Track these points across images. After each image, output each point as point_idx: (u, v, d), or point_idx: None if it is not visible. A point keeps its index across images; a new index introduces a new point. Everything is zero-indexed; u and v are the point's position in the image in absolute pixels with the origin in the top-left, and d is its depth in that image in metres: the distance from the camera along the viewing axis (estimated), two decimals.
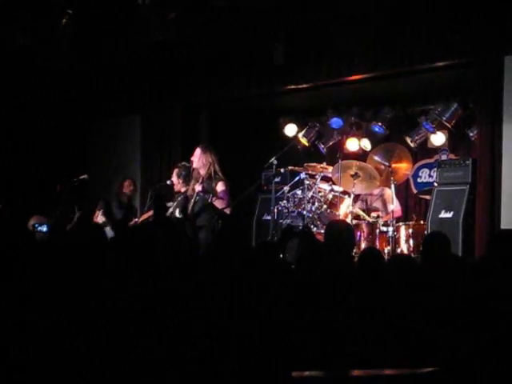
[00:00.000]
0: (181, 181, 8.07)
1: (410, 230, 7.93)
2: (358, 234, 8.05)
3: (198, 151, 7.88)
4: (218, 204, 7.64)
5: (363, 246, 7.99)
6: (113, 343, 3.02)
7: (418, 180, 9.70)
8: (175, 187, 8.10)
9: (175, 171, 8.16)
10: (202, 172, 7.79)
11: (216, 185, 7.71)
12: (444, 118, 8.72)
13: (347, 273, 4.13)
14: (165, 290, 3.45)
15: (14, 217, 7.90)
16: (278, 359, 2.96)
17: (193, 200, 7.75)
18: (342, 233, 4.99)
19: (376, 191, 8.89)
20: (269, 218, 8.17)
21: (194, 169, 7.89)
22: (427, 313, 3.44)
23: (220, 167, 7.82)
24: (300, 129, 10.12)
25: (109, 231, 8.02)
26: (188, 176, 8.02)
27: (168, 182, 8.25)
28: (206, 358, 2.92)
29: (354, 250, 7.76)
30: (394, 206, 8.22)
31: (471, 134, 8.77)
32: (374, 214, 8.54)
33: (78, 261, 3.83)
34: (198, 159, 7.83)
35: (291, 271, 4.41)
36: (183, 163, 8.27)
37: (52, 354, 2.97)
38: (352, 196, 8.27)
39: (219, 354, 2.93)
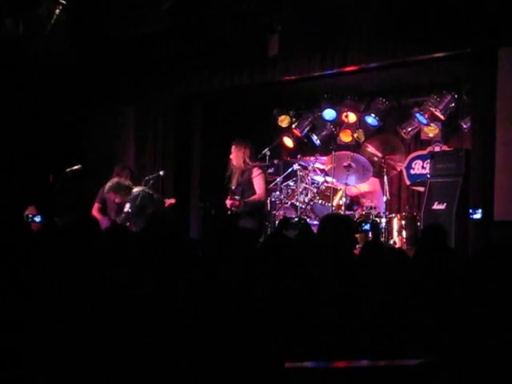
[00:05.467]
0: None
1: (403, 222, 7.95)
2: None
3: (232, 148, 7.66)
4: (257, 197, 7.46)
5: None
6: (108, 336, 3.02)
7: (411, 172, 9.70)
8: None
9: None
10: (240, 167, 7.57)
11: (251, 175, 7.51)
12: (437, 110, 8.72)
13: (344, 265, 4.13)
14: (159, 283, 3.45)
15: (8, 207, 7.87)
16: (272, 350, 2.96)
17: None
18: (337, 227, 4.92)
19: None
20: None
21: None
22: (420, 304, 3.45)
23: (251, 156, 7.63)
24: (293, 120, 10.12)
25: None
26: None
27: (161, 173, 8.24)
28: (199, 349, 2.92)
29: None
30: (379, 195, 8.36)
31: (464, 126, 8.78)
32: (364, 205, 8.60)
33: (74, 252, 3.83)
34: (234, 156, 7.64)
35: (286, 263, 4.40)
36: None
37: (49, 347, 2.97)
38: (345, 187, 8.29)
39: (212, 345, 2.93)
